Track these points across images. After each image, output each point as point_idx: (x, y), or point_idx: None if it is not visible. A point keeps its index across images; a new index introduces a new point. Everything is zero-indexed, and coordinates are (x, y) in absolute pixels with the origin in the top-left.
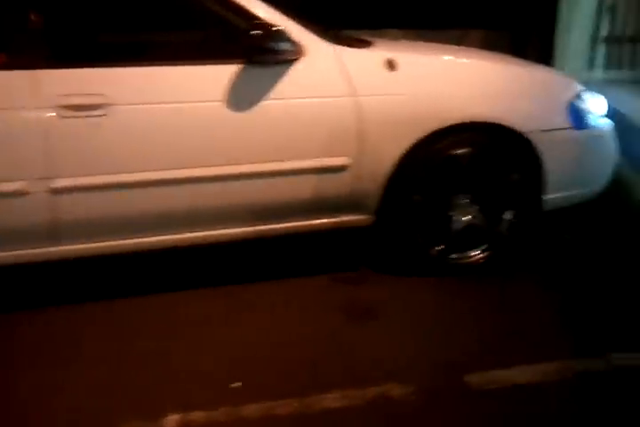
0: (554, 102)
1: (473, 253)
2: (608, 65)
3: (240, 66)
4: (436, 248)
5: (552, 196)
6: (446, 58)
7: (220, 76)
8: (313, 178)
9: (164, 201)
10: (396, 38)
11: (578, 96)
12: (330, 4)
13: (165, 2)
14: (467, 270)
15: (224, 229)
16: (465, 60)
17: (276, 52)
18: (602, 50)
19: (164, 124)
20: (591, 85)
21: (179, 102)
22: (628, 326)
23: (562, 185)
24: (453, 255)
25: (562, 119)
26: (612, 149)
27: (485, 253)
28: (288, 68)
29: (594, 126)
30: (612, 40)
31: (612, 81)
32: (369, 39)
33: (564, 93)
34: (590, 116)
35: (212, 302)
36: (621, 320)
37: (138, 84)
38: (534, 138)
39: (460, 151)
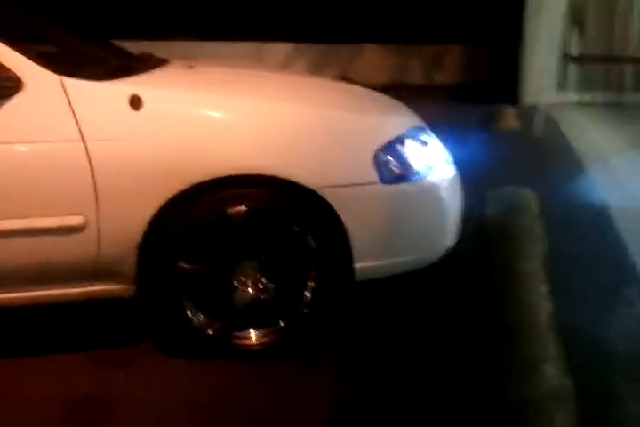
0: (355, 151)
1: (260, 334)
2: (579, 86)
3: None
4: (214, 325)
5: (364, 264)
6: (214, 95)
7: None
8: (43, 240)
9: None
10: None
11: (396, 142)
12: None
13: None
14: (255, 354)
15: None
16: (239, 99)
17: None
18: (572, 70)
19: None
20: (560, 109)
21: None
22: None
23: (375, 251)
24: (237, 335)
25: (366, 172)
26: (447, 206)
27: (278, 335)
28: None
29: (417, 179)
30: (582, 60)
31: (584, 104)
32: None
33: (372, 140)
34: (413, 166)
35: None
36: None
37: None
38: (328, 195)
39: (233, 210)
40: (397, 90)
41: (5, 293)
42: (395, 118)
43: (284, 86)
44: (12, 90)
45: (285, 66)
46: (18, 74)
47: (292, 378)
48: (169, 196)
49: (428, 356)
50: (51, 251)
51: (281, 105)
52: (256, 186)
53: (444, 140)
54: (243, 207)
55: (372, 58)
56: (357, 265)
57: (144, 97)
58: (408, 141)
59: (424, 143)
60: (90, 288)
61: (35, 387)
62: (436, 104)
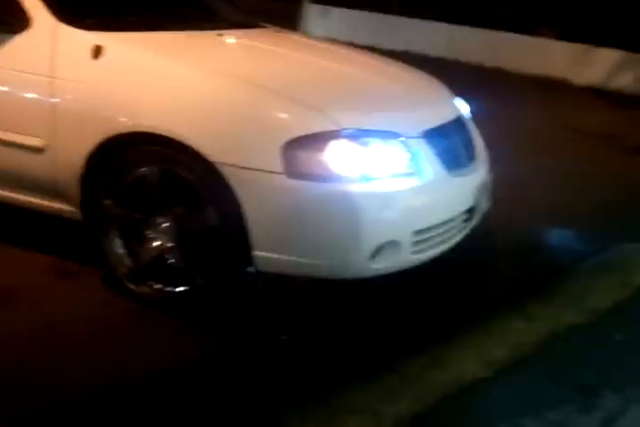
0: (265, 137)
1: (161, 288)
2: None
3: None
4: (127, 267)
5: (263, 254)
6: (168, 60)
7: None
8: (12, 152)
9: None
10: None
11: (316, 138)
12: None
13: None
14: (154, 304)
15: None
16: (187, 67)
17: None
18: None
19: None
20: None
21: None
22: None
23: (275, 244)
24: (148, 283)
25: (270, 160)
26: (373, 221)
27: (175, 295)
28: (7, 36)
29: (334, 182)
30: None
31: None
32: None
33: (285, 130)
34: (331, 168)
35: None
36: None
37: None
38: (228, 173)
39: (145, 166)
40: None
41: None
42: (331, 113)
43: (258, 61)
44: (23, 29)
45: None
46: (31, 15)
47: (164, 333)
48: (98, 140)
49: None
50: (17, 162)
51: (216, 78)
52: (170, 148)
53: None
54: (156, 165)
55: None
56: (257, 253)
57: (106, 49)
58: (337, 141)
59: (366, 148)
60: (51, 204)
61: None
62: None
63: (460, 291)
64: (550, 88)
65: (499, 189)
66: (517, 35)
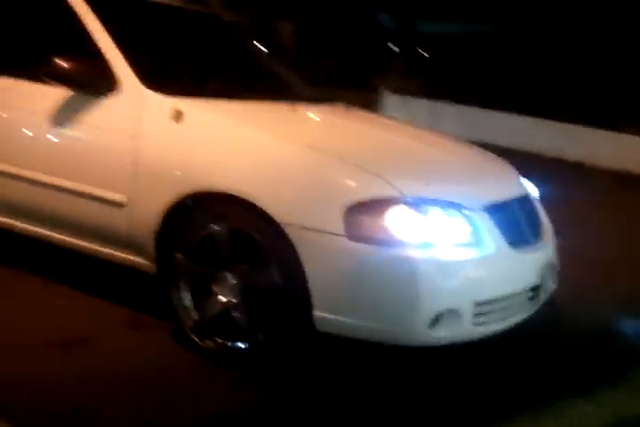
0: (328, 199)
1: (225, 343)
2: None
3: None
4: (194, 320)
5: (324, 315)
6: (245, 127)
7: (48, 94)
8: (94, 205)
9: None
10: None
11: (378, 204)
12: None
13: None
14: (218, 358)
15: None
16: (260, 134)
17: (79, 84)
18: None
19: None
20: None
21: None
22: None
23: (336, 305)
24: (217, 339)
25: (333, 222)
26: (433, 289)
27: (240, 351)
28: (98, 98)
29: (395, 247)
30: None
31: None
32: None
33: (347, 193)
34: (393, 233)
35: None
36: None
37: None
38: (292, 233)
39: (216, 223)
40: None
41: (58, 233)
42: (393, 181)
43: (327, 131)
44: (111, 91)
45: None
46: (120, 80)
47: (223, 386)
48: (175, 198)
49: None
50: (98, 216)
51: (285, 144)
52: (240, 207)
53: None
54: (225, 223)
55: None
56: (317, 313)
57: (187, 114)
58: (398, 207)
59: (427, 215)
60: (124, 255)
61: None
62: None
63: (527, 369)
64: (630, 183)
65: (567, 273)
66: (598, 129)
